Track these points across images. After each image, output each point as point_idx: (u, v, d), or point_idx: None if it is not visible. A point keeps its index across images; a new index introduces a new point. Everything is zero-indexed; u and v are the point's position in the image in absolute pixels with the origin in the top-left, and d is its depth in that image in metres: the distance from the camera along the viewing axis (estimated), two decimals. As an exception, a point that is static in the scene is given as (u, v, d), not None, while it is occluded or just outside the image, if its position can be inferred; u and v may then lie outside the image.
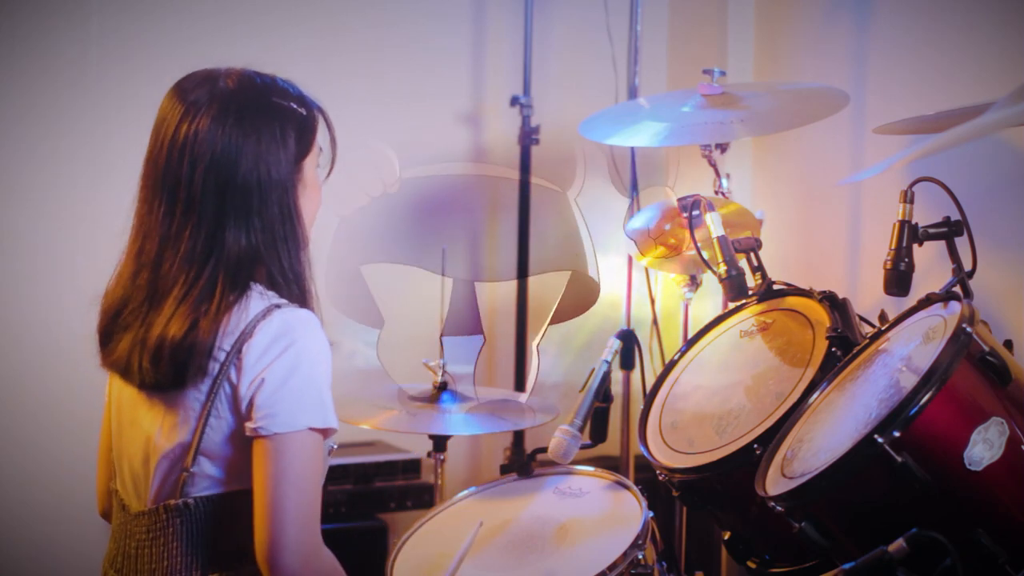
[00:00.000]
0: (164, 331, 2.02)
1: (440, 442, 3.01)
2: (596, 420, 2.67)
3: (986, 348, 2.00)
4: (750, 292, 2.72)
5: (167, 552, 2.08)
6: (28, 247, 3.50)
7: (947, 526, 1.85)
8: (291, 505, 1.97)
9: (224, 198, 2.03)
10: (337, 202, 3.02)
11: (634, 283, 3.70)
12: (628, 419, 3.64)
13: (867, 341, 2.34)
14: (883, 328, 2.34)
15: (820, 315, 2.55)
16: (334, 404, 2.05)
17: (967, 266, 2.39)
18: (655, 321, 3.65)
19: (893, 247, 2.42)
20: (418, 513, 3.14)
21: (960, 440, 1.92)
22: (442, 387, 3.00)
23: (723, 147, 3.31)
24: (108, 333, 2.12)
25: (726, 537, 2.50)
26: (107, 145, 3.47)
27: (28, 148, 3.48)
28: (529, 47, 3.90)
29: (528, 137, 3.86)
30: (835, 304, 2.55)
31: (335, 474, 3.55)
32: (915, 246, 2.42)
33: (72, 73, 3.50)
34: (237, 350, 2.02)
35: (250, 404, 2.01)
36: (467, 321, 3.25)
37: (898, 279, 2.42)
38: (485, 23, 4.02)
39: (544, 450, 2.62)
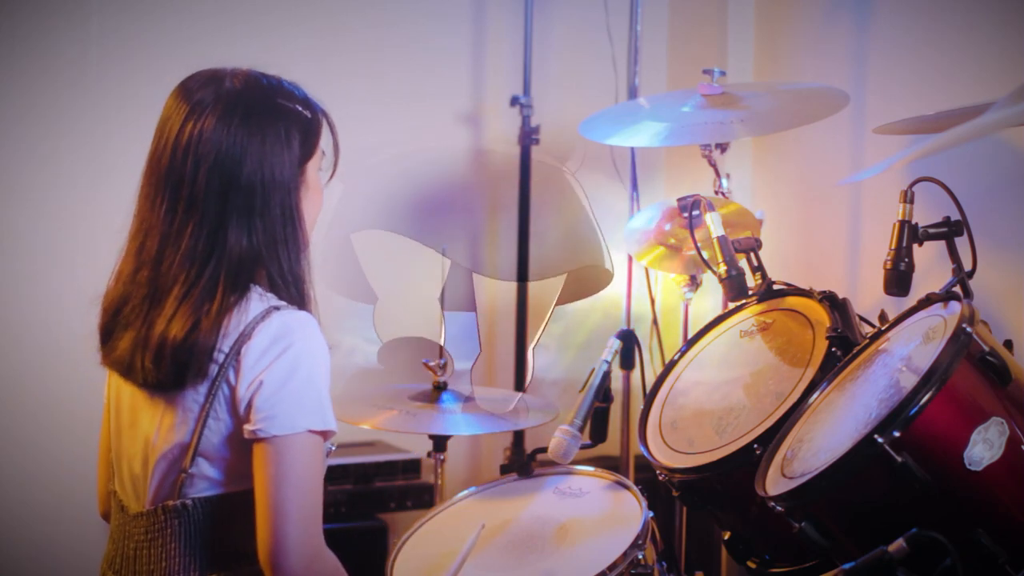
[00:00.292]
0: (166, 331, 2.02)
1: (440, 442, 3.01)
2: (596, 420, 2.67)
3: (986, 348, 2.00)
4: (750, 292, 2.72)
5: (165, 553, 2.08)
6: (28, 247, 3.50)
7: (947, 526, 1.85)
8: (293, 507, 1.97)
9: (227, 198, 2.03)
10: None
11: (634, 283, 3.70)
12: (628, 419, 3.64)
13: (867, 341, 2.34)
14: (883, 328, 2.34)
15: (820, 315, 2.55)
16: (334, 401, 2.05)
17: (967, 266, 2.39)
18: (655, 321, 3.65)
19: (893, 247, 2.42)
20: (418, 513, 3.14)
21: (960, 440, 1.92)
22: (442, 387, 3.00)
23: (723, 147, 3.31)
24: (109, 331, 2.12)
25: (726, 537, 2.50)
26: (107, 145, 3.46)
27: (28, 148, 3.48)
28: (529, 47, 3.90)
29: (528, 137, 3.86)
30: (835, 304, 2.55)
31: (335, 474, 3.55)
32: (915, 246, 2.42)
33: (72, 73, 3.50)
34: (236, 352, 2.02)
35: (249, 406, 2.01)
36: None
37: (898, 279, 2.42)
38: (485, 23, 4.02)
39: (544, 450, 2.62)
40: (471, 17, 4.01)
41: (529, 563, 2.42)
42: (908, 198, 2.42)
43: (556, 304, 3.25)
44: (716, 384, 2.63)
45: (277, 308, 2.05)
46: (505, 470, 2.79)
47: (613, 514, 2.51)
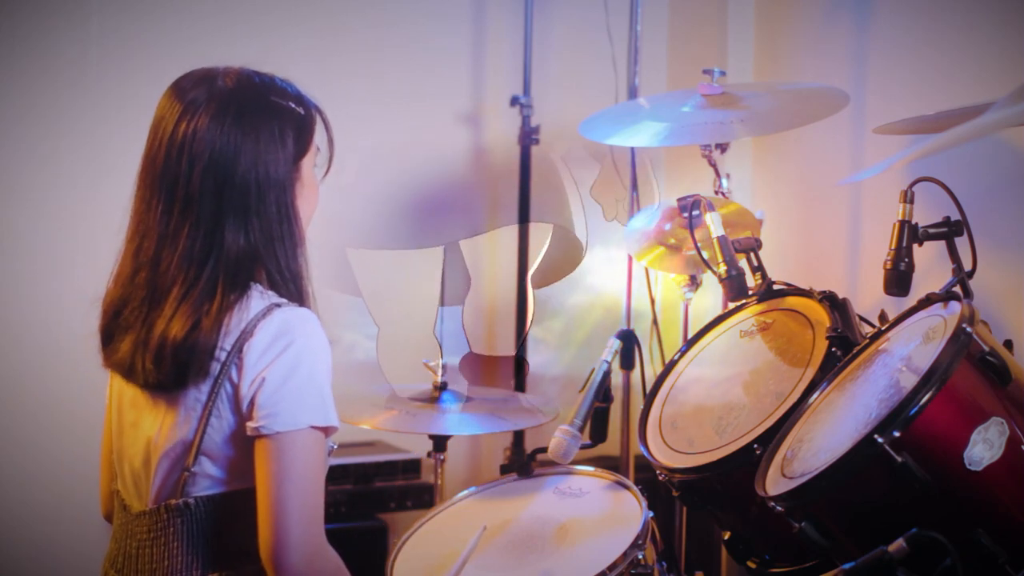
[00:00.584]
0: (166, 331, 2.02)
1: (440, 442, 3.01)
2: (596, 420, 2.67)
3: (986, 348, 2.00)
4: (750, 292, 2.72)
5: (168, 552, 2.08)
6: (28, 247, 3.50)
7: (947, 526, 1.85)
8: (294, 504, 1.97)
9: (222, 197, 2.03)
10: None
11: (634, 283, 3.70)
12: (628, 419, 3.64)
13: (867, 341, 2.34)
14: (883, 328, 2.34)
15: (820, 315, 2.55)
16: (335, 398, 2.05)
17: (967, 266, 2.39)
18: (655, 321, 3.65)
19: (893, 247, 2.42)
20: (418, 513, 3.14)
21: (960, 440, 1.92)
22: (442, 387, 3.00)
23: (723, 147, 3.31)
24: (109, 333, 2.12)
25: (726, 537, 2.50)
26: (107, 145, 3.46)
27: (28, 148, 3.48)
28: (529, 47, 3.90)
29: (528, 137, 3.86)
30: (835, 304, 2.55)
31: (335, 474, 3.55)
32: (915, 246, 2.42)
33: (72, 73, 3.50)
34: (238, 349, 2.02)
35: (251, 403, 2.01)
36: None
37: (898, 279, 2.42)
38: (485, 23, 4.02)
39: (544, 450, 2.62)
40: (471, 17, 4.01)
41: (529, 563, 2.42)
42: (908, 198, 2.42)
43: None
44: (716, 384, 2.63)
45: (278, 305, 2.05)
46: (505, 470, 2.79)
47: (613, 514, 2.51)
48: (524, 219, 3.86)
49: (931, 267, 2.59)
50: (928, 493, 1.90)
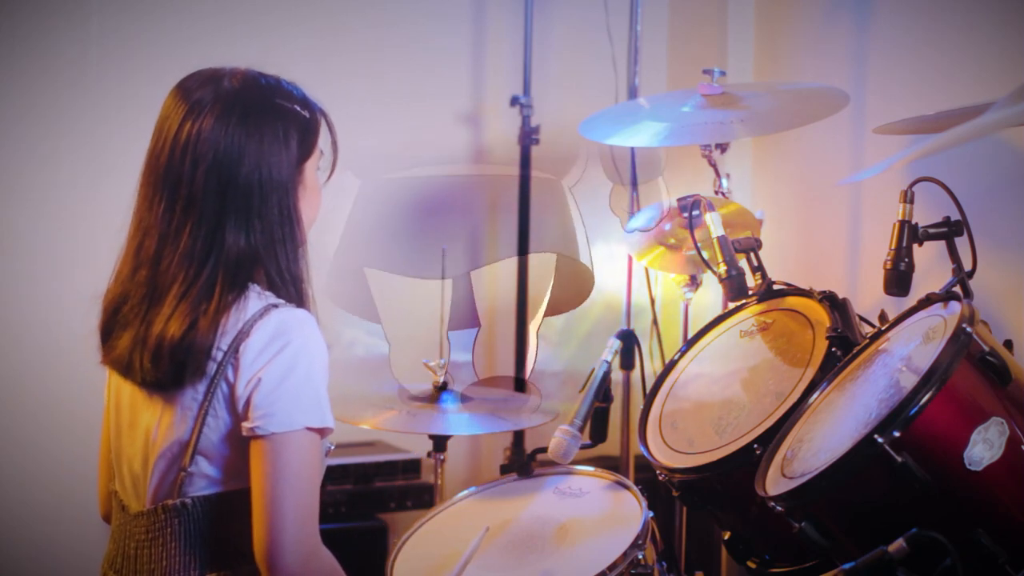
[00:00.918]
0: (164, 330, 2.02)
1: (440, 442, 3.01)
2: (596, 420, 2.67)
3: (986, 348, 2.00)
4: (750, 292, 2.72)
5: (165, 552, 2.08)
6: (28, 247, 3.50)
7: (947, 526, 1.85)
8: (289, 505, 1.97)
9: (225, 198, 2.03)
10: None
11: (634, 283, 3.70)
12: (628, 419, 3.64)
13: (867, 341, 2.34)
14: (883, 328, 2.34)
15: (820, 315, 2.55)
16: (335, 396, 2.05)
17: (967, 266, 2.39)
18: (655, 321, 3.64)
19: (893, 247, 2.42)
20: (418, 513, 3.14)
21: (960, 440, 1.92)
22: (442, 387, 3.00)
23: (723, 147, 3.31)
24: (108, 330, 2.12)
25: (726, 537, 2.50)
26: (107, 145, 3.46)
27: (28, 148, 3.48)
28: (529, 47, 3.89)
29: (528, 137, 3.86)
30: (835, 304, 2.55)
31: (335, 474, 3.55)
32: (915, 246, 2.42)
33: (72, 73, 3.50)
34: (234, 349, 2.02)
35: (247, 404, 2.01)
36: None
37: (898, 279, 2.42)
38: (485, 23, 4.02)
39: (544, 450, 2.62)
40: (471, 17, 4.01)
41: (529, 563, 2.41)
42: (908, 198, 2.42)
43: (545, 316, 3.25)
44: (716, 384, 2.63)
45: (275, 306, 2.05)
46: (505, 470, 2.78)
47: (613, 514, 2.51)
48: (524, 219, 3.86)
49: (931, 267, 2.59)
50: (928, 493, 1.90)
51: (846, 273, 3.58)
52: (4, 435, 3.48)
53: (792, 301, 2.66)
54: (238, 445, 2.04)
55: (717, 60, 3.66)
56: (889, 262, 2.42)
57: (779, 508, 2.06)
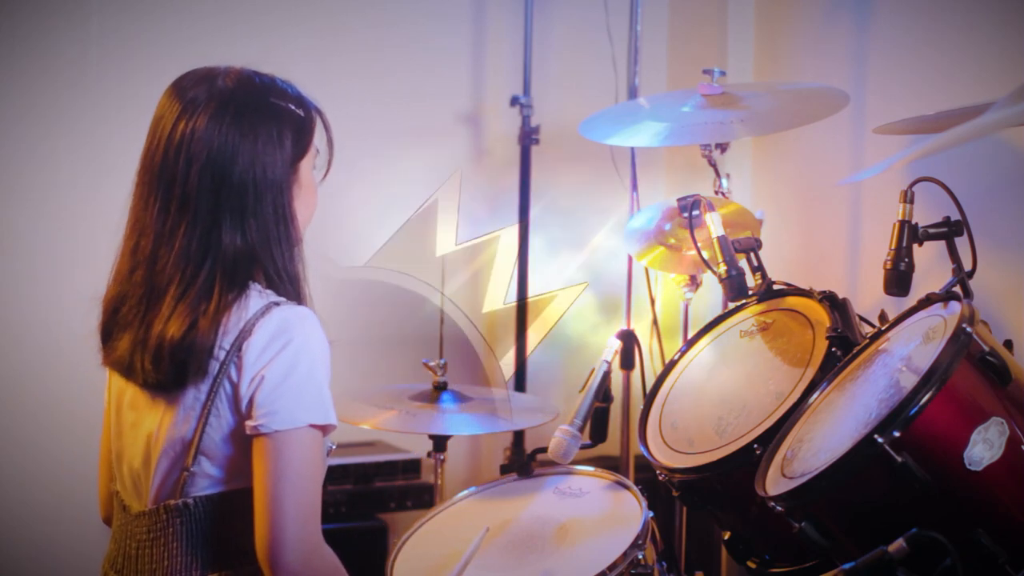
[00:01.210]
0: (163, 331, 2.02)
1: (440, 442, 3.01)
2: (596, 420, 2.67)
3: (986, 348, 2.00)
4: (750, 292, 2.72)
5: (167, 552, 2.08)
6: (28, 247, 3.50)
7: (947, 526, 1.85)
8: (291, 502, 1.97)
9: (219, 197, 2.03)
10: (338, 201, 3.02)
11: (634, 283, 3.70)
12: (628, 419, 3.64)
13: (867, 341, 2.34)
14: (883, 328, 2.34)
15: (820, 315, 2.55)
16: (335, 398, 2.05)
17: (967, 266, 2.39)
18: (655, 321, 3.64)
19: (893, 247, 2.42)
20: (418, 513, 3.14)
21: (960, 440, 1.92)
22: (442, 387, 3.00)
23: (723, 147, 3.31)
24: (108, 331, 2.12)
25: (726, 537, 2.50)
26: (107, 145, 3.46)
27: (28, 148, 3.48)
28: (529, 47, 3.90)
29: (528, 137, 3.86)
30: (835, 304, 2.55)
31: (335, 474, 3.55)
32: (915, 246, 2.42)
33: (72, 73, 3.50)
34: (237, 348, 2.02)
35: (250, 402, 2.01)
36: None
37: (898, 279, 2.42)
38: (485, 23, 4.02)
39: (544, 450, 2.62)
40: (471, 17, 4.01)
41: (529, 563, 2.41)
42: (908, 198, 2.42)
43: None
44: (716, 384, 2.63)
45: (277, 304, 2.05)
46: (505, 470, 2.78)
47: (613, 514, 2.51)
48: (524, 219, 3.86)
49: (931, 267, 2.59)
50: (928, 493, 1.90)
51: (846, 273, 3.58)
52: (4, 435, 3.48)
53: (792, 301, 2.66)
54: (241, 444, 2.04)
55: (717, 60, 3.66)
56: (889, 262, 2.42)
57: (779, 508, 2.06)
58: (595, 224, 4.05)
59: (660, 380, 2.72)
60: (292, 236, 2.10)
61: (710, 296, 3.70)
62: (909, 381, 1.99)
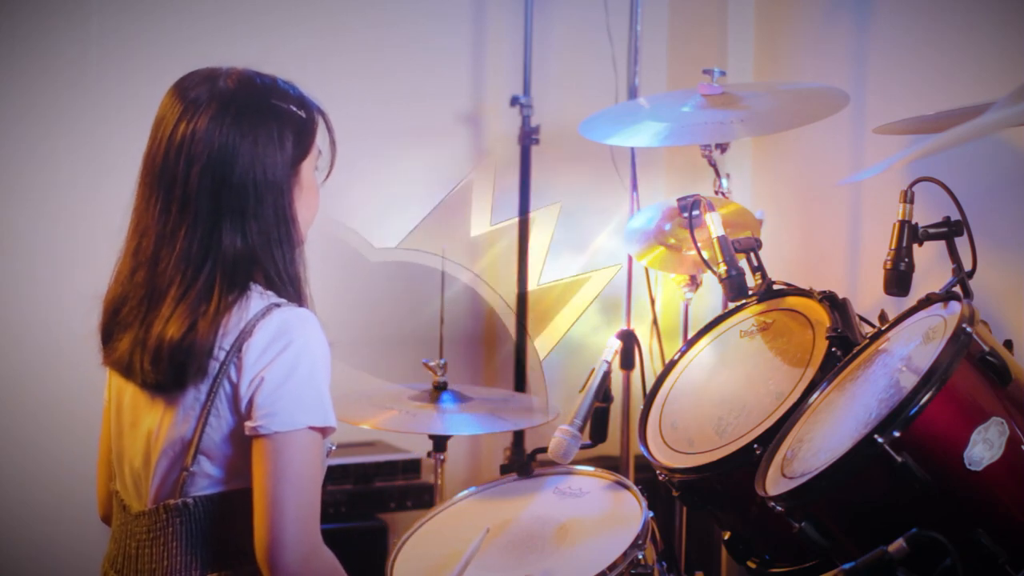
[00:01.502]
0: (163, 332, 2.02)
1: (440, 442, 3.01)
2: (596, 420, 2.67)
3: (986, 348, 2.00)
4: (750, 292, 2.72)
5: (167, 552, 2.08)
6: (28, 247, 3.50)
7: (947, 526, 1.85)
8: (290, 504, 1.97)
9: (219, 198, 2.03)
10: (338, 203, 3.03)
11: (634, 283, 3.70)
12: (628, 419, 3.64)
13: (867, 341, 2.34)
14: (883, 328, 2.34)
15: (820, 315, 2.55)
16: (335, 399, 2.05)
17: (967, 266, 2.39)
18: (655, 321, 3.65)
19: (893, 247, 2.42)
20: (418, 513, 3.14)
21: (960, 440, 1.92)
22: (442, 387, 3.00)
23: (723, 147, 3.31)
24: (109, 331, 2.12)
25: (726, 537, 2.50)
26: (107, 145, 3.46)
27: (28, 148, 3.48)
28: (529, 47, 3.90)
29: (528, 137, 3.86)
30: (835, 304, 2.55)
31: (335, 474, 3.55)
32: (915, 246, 2.42)
33: (72, 73, 3.50)
34: (237, 349, 2.02)
35: (250, 403, 2.01)
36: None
37: (898, 279, 2.42)
38: (485, 23, 4.02)
39: (544, 450, 2.62)
40: (471, 17, 4.01)
41: (529, 563, 2.41)
42: (908, 198, 2.42)
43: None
44: (716, 384, 2.63)
45: (278, 305, 2.05)
46: (505, 470, 2.78)
47: (613, 514, 2.51)
48: (524, 219, 3.86)
49: (931, 267, 2.59)
50: (928, 493, 1.90)
51: (846, 273, 3.58)
52: (4, 435, 3.48)
53: (792, 301, 2.66)
54: (240, 444, 2.04)
55: (717, 60, 3.66)
56: (889, 262, 2.42)
57: (779, 508, 2.06)
58: (595, 224, 4.05)
59: (660, 380, 2.72)
60: (293, 237, 2.10)
61: (710, 296, 3.70)
62: (909, 381, 1.99)
